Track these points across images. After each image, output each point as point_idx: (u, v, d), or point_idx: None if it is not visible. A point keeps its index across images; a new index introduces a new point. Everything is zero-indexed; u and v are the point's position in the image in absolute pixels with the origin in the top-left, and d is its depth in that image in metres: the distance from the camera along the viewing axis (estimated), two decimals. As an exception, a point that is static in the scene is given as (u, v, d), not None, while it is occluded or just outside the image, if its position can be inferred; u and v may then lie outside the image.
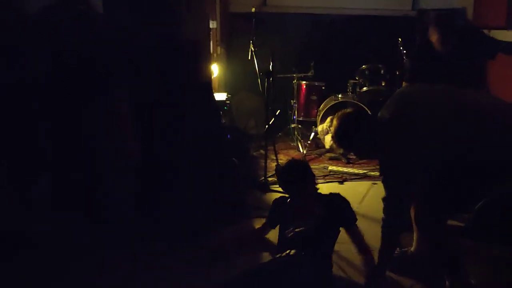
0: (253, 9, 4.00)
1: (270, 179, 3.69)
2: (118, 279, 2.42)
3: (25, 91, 2.79)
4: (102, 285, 2.40)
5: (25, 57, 2.82)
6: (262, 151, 4.19)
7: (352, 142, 2.17)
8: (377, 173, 3.97)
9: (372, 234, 2.76)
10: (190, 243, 2.71)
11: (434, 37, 3.02)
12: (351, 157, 4.19)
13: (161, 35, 3.41)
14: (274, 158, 3.95)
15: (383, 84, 4.58)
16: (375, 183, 3.77)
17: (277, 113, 3.85)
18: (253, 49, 3.89)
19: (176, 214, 2.77)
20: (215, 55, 4.38)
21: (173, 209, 2.79)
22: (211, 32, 4.11)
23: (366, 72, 4.59)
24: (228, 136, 3.80)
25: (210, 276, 2.36)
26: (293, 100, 4.76)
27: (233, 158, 3.27)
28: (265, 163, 3.68)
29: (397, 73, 4.49)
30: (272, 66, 3.60)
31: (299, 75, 4.72)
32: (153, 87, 3.02)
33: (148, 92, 3.01)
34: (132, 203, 2.89)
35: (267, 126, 3.62)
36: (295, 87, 4.76)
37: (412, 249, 2.51)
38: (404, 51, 4.54)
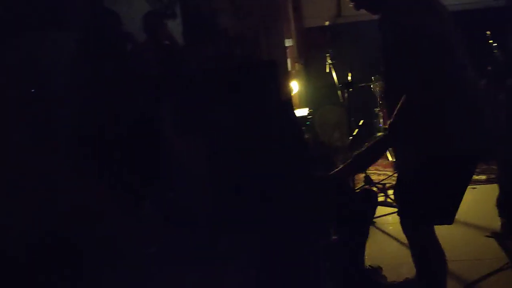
0: (327, 23, 4.01)
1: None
2: None
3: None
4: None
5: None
6: (349, 163, 4.13)
7: None
8: (476, 176, 3.73)
9: (468, 242, 2.61)
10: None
11: None
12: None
13: (238, 59, 3.56)
14: (362, 169, 3.88)
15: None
16: (475, 187, 3.56)
17: (360, 123, 3.80)
18: (330, 62, 3.89)
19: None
20: (293, 72, 4.44)
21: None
22: (287, 50, 4.18)
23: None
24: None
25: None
26: (377, 108, 4.64)
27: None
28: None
29: (488, 68, 4.20)
30: (350, 76, 3.57)
31: (381, 82, 4.61)
32: (232, 111, 3.13)
33: (227, 116, 3.13)
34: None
35: (351, 138, 3.58)
36: (378, 94, 4.64)
37: None
38: (495, 44, 4.25)
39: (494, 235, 2.81)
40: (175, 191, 3.22)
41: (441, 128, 1.77)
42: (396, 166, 2.14)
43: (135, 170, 3.22)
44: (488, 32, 4.22)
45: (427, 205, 1.88)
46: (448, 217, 1.93)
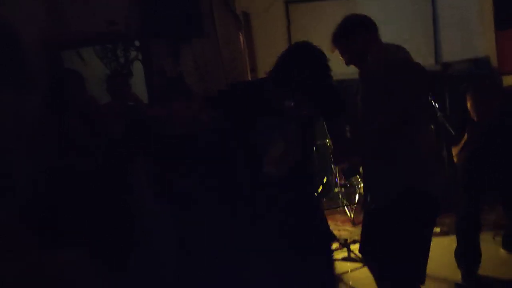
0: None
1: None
2: None
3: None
4: None
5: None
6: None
7: (347, 44, 2.10)
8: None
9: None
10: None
11: (469, 104, 3.01)
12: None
13: (204, 119, 3.61)
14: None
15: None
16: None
17: (324, 180, 3.92)
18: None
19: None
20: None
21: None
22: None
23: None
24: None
25: None
26: (333, 165, 4.81)
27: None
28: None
29: (432, 127, 4.54)
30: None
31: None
32: (201, 171, 3.15)
33: (197, 177, 3.13)
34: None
35: (316, 195, 3.68)
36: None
37: None
38: (436, 105, 4.63)
39: (457, 286, 2.96)
40: (143, 255, 3.13)
41: (408, 171, 1.93)
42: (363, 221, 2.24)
43: (100, 235, 3.11)
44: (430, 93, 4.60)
45: (401, 265, 1.98)
46: (421, 275, 2.04)
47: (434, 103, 4.48)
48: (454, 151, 3.12)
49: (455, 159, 3.14)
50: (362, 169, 2.18)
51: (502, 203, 3.15)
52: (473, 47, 5.35)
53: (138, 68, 4.45)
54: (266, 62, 5.47)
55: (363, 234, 2.19)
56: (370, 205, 2.08)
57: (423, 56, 5.59)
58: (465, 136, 3.00)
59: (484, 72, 5.17)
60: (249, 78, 4.78)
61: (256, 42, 5.47)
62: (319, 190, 3.74)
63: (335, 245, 3.82)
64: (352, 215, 4.46)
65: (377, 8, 5.41)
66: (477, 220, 3.03)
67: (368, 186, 2.15)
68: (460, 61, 5.27)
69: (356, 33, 2.10)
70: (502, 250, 3.41)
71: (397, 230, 1.93)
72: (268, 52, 5.63)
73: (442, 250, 3.47)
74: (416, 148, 1.95)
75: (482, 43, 5.32)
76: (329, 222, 4.25)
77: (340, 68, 2.22)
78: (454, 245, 3.14)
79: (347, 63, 2.16)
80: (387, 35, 5.70)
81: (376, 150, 1.97)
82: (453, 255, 3.13)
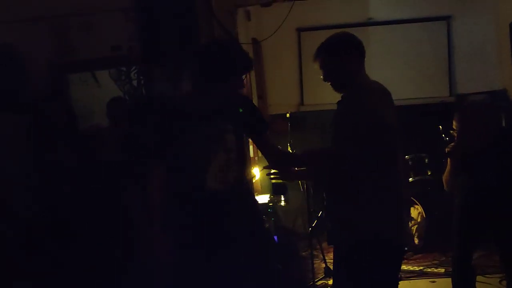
0: (288, 115, 4.18)
1: (319, 282, 3.55)
2: None
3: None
4: None
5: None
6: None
7: (329, 59, 2.00)
8: (435, 269, 3.73)
9: None
10: None
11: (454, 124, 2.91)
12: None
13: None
14: (322, 258, 3.83)
15: (429, 174, 4.47)
16: (434, 281, 3.53)
17: (319, 214, 3.84)
18: (291, 151, 3.98)
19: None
20: (256, 158, 4.49)
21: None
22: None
23: (410, 162, 4.52)
24: (275, 238, 3.75)
25: None
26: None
27: (278, 265, 3.18)
28: (312, 265, 3.56)
29: (443, 161, 4.39)
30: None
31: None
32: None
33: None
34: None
35: (310, 229, 3.58)
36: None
37: None
38: (447, 138, 4.47)
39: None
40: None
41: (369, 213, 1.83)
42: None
43: (93, 261, 3.07)
44: (440, 127, 4.47)
45: None
46: None
47: (444, 135, 4.35)
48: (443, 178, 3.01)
49: (445, 186, 3.01)
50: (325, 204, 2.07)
51: (498, 247, 2.92)
52: (490, 79, 5.19)
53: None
54: (276, 89, 5.50)
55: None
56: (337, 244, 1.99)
57: (437, 88, 5.47)
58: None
59: (501, 104, 4.98)
60: (256, 105, 4.75)
61: (266, 69, 5.46)
62: (313, 224, 3.62)
63: (330, 281, 3.67)
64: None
65: (391, 38, 5.33)
66: (469, 265, 2.82)
67: (333, 226, 2.03)
68: (476, 93, 5.10)
69: (340, 50, 2.01)
70: (509, 297, 3.17)
71: (357, 275, 1.82)
72: (279, 79, 5.64)
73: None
74: (382, 196, 1.84)
75: (499, 75, 5.16)
76: (331, 256, 4.14)
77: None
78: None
79: (324, 79, 2.06)
80: (401, 65, 5.63)
81: (341, 191, 1.88)
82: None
